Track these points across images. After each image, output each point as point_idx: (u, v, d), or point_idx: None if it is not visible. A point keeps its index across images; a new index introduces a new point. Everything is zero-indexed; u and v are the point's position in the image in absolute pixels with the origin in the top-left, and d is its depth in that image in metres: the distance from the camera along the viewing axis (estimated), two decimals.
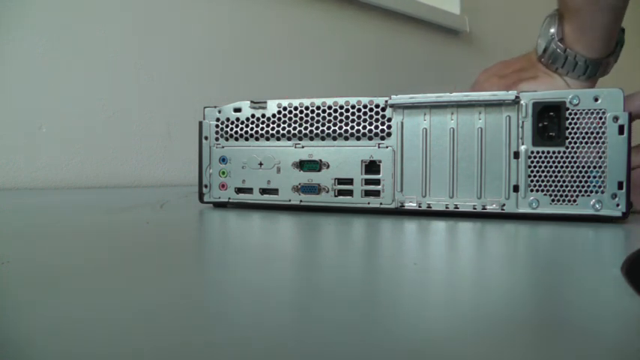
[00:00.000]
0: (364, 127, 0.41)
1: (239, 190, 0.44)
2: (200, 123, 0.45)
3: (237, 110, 0.44)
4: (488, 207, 0.38)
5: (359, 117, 0.41)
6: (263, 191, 0.43)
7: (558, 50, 0.46)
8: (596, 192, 0.36)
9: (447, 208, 0.39)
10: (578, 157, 0.36)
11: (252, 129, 0.44)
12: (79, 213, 0.39)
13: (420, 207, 0.39)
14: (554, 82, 0.47)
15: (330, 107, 0.42)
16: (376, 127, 0.41)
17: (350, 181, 0.41)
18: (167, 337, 0.13)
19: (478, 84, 0.52)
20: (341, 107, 0.41)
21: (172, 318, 0.15)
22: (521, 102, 0.37)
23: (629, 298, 0.17)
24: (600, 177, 0.36)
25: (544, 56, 0.47)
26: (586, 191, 0.36)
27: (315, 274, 0.21)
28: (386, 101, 0.40)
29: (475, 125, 0.38)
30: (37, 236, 0.29)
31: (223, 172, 0.44)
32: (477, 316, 0.15)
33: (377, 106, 0.40)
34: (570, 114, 0.36)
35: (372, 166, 0.41)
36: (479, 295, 0.18)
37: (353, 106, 0.41)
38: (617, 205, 0.35)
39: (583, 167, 0.36)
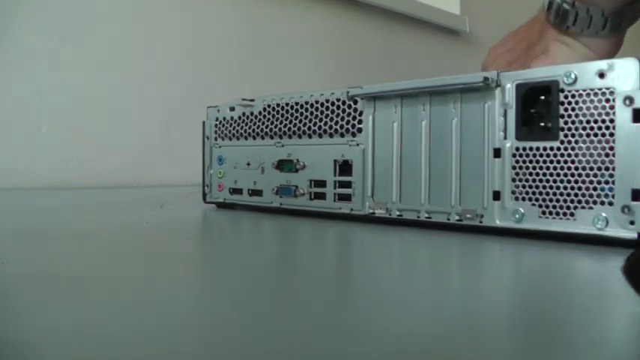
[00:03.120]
0: (336, 123, 0.36)
1: (233, 191, 0.43)
2: (203, 123, 0.46)
3: (232, 109, 0.43)
4: (464, 219, 0.30)
5: (332, 111, 0.36)
6: (252, 192, 0.42)
7: (565, 5, 0.34)
8: (601, 203, 0.26)
9: (418, 217, 0.32)
10: (577, 156, 0.26)
11: (241, 127, 0.42)
12: (79, 213, 0.41)
13: (390, 215, 0.33)
14: (569, 52, 0.35)
15: (297, 103, 0.38)
16: (347, 123, 0.36)
17: (324, 183, 0.37)
18: (166, 336, 0.13)
19: (485, 67, 0.42)
20: (308, 103, 0.37)
21: (171, 317, 0.15)
22: (505, 85, 0.29)
23: None
24: (607, 182, 0.26)
25: (550, 15, 0.35)
26: (587, 202, 0.26)
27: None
28: (347, 92, 0.35)
29: (449, 117, 0.31)
30: (37, 236, 0.30)
31: (220, 172, 0.44)
32: None
33: (342, 101, 0.35)
34: (566, 97, 0.27)
35: (345, 167, 0.36)
36: None
37: (317, 101, 0.37)
38: (631, 222, 0.25)
39: (583, 169, 0.26)
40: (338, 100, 0.36)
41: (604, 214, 0.26)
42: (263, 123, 0.41)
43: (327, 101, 0.37)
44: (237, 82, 0.84)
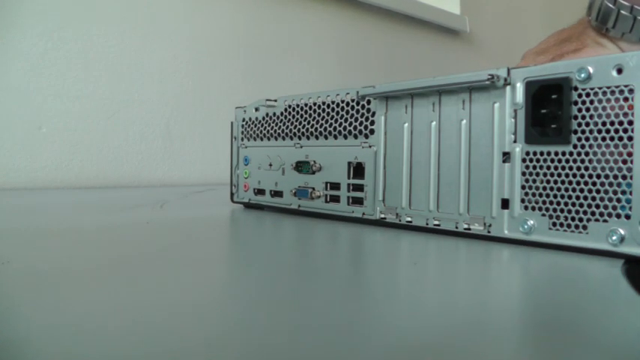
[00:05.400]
0: (350, 124, 0.35)
1: (257, 192, 0.43)
2: (231, 123, 0.46)
3: (257, 110, 0.43)
4: (472, 227, 0.28)
5: (347, 112, 0.35)
6: (273, 193, 0.42)
7: (606, 2, 0.30)
8: (617, 216, 0.23)
9: (427, 224, 0.30)
10: (590, 162, 0.24)
11: (265, 128, 0.42)
12: (79, 213, 0.41)
13: (400, 221, 0.32)
14: (603, 53, 0.31)
15: (314, 103, 0.37)
16: (360, 124, 0.34)
17: (338, 186, 0.36)
18: (165, 336, 0.13)
19: (523, 62, 0.38)
20: (325, 103, 0.36)
21: (170, 317, 0.15)
22: (515, 83, 0.26)
23: None
24: (624, 193, 0.23)
25: (591, 14, 0.31)
26: (601, 214, 0.23)
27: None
28: (358, 92, 0.33)
29: (458, 118, 0.29)
30: (37, 236, 0.30)
31: (246, 173, 0.44)
32: None
33: (356, 102, 0.34)
34: (580, 95, 0.24)
35: (359, 169, 0.35)
36: None
37: (333, 102, 0.36)
38: None
39: (598, 177, 0.23)
40: (352, 100, 0.35)
41: (620, 229, 0.23)
42: (284, 124, 0.40)
43: (342, 102, 0.36)
44: (237, 83, 0.84)
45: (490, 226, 0.27)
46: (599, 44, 0.32)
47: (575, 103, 0.24)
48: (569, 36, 0.35)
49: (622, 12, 0.29)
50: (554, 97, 0.25)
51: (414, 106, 0.31)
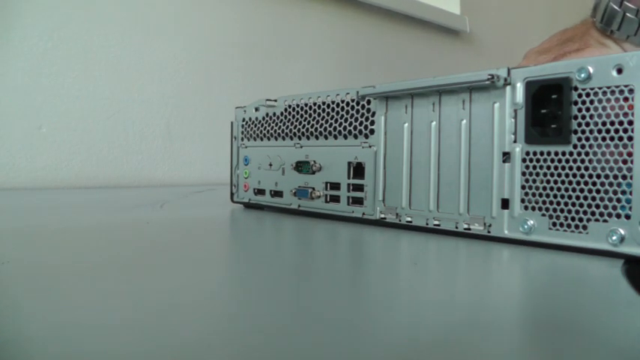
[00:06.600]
0: (350, 124, 0.35)
1: (257, 192, 0.43)
2: (231, 123, 0.46)
3: (257, 109, 0.43)
4: (472, 227, 0.28)
5: (347, 112, 0.35)
6: (274, 193, 0.42)
7: (612, 4, 0.30)
8: (617, 216, 0.23)
9: (427, 224, 0.30)
10: (590, 162, 0.24)
11: (265, 128, 0.42)
12: (79, 213, 0.42)
13: (400, 221, 0.32)
14: (606, 53, 0.31)
15: (314, 103, 0.37)
16: (360, 124, 0.34)
17: (338, 186, 0.36)
18: (165, 335, 0.14)
19: (525, 61, 0.38)
20: (325, 103, 0.36)
21: (170, 317, 0.15)
22: (515, 83, 0.26)
23: None
24: (624, 193, 0.23)
25: (596, 16, 0.31)
26: (601, 214, 0.23)
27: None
28: (358, 92, 0.33)
29: (458, 118, 0.29)
30: (37, 236, 0.30)
31: (246, 173, 0.44)
32: None
33: (356, 102, 0.34)
34: (580, 95, 0.24)
35: (359, 169, 0.35)
36: None
37: (333, 102, 0.36)
38: None
39: (598, 177, 0.23)
40: (352, 100, 0.35)
41: (620, 229, 0.23)
42: (284, 124, 0.40)
43: (342, 102, 0.36)
44: (237, 83, 0.84)
45: (490, 226, 0.27)
46: (602, 45, 0.32)
47: (575, 103, 0.24)
48: (573, 36, 0.35)
49: (628, 15, 0.29)
50: (554, 97, 0.25)
51: (414, 106, 0.31)
